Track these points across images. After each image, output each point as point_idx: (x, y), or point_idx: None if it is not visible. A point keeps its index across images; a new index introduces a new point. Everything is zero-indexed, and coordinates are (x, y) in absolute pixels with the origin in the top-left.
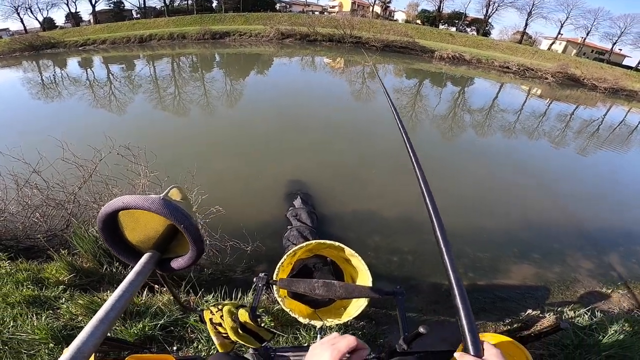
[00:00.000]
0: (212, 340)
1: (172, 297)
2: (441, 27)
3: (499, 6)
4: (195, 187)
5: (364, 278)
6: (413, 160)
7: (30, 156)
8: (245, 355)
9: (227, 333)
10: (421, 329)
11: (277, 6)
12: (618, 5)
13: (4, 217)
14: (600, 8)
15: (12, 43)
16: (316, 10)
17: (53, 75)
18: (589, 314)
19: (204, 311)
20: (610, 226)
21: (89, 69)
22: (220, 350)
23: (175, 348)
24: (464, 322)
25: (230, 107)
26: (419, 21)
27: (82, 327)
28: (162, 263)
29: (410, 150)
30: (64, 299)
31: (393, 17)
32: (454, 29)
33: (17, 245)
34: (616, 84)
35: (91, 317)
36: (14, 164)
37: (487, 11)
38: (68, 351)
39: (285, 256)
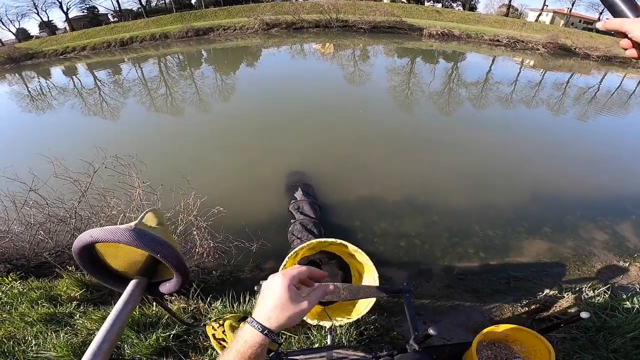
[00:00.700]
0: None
1: (182, 306)
2: (427, 4)
3: None
4: (192, 192)
5: (370, 272)
6: None
7: (25, 174)
8: None
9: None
10: (431, 331)
11: None
12: None
13: (9, 238)
14: None
15: None
16: None
17: (39, 86)
18: (609, 292)
19: (207, 327)
20: (619, 193)
21: (74, 77)
22: None
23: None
24: None
25: (223, 102)
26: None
27: None
28: (151, 287)
29: None
30: (78, 314)
31: None
32: (439, 5)
33: (27, 264)
34: (608, 52)
35: None
36: (8, 185)
37: None
38: None
39: (287, 258)
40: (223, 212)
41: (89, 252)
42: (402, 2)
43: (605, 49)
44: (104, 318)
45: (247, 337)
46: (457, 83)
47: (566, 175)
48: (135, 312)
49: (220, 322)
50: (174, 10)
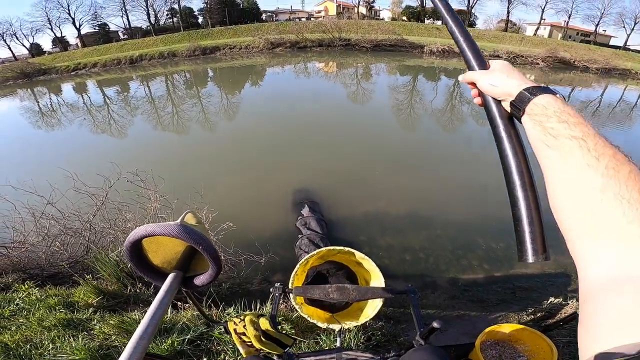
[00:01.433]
0: (238, 351)
1: (196, 313)
2: (427, 21)
3: None
4: (205, 206)
5: (377, 279)
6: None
7: (42, 187)
8: None
9: (251, 341)
10: (435, 324)
11: (263, 16)
12: None
13: (25, 248)
14: None
15: (3, 71)
16: (302, 17)
17: (50, 102)
18: None
19: (228, 322)
20: None
21: (84, 94)
22: (245, 357)
23: None
24: (465, 46)
25: (229, 121)
26: (404, 17)
27: (116, 346)
28: (186, 281)
29: None
30: (95, 320)
31: (379, 16)
32: (439, 22)
33: (42, 274)
34: (607, 64)
35: (124, 336)
36: (28, 197)
37: (469, 2)
38: None
39: (298, 265)
40: (233, 227)
41: (138, 247)
42: (403, 20)
43: (604, 61)
44: (121, 323)
45: None
46: (459, 100)
47: None
48: None
49: (241, 317)
50: (182, 29)
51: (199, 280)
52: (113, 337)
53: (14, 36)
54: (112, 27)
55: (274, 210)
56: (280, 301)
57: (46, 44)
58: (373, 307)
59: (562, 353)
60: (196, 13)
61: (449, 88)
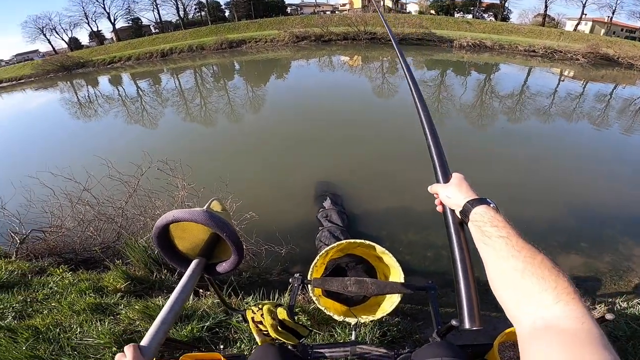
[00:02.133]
0: (254, 339)
1: (216, 301)
2: (456, 15)
3: None
4: (230, 195)
5: (396, 274)
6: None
7: (79, 174)
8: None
9: (267, 330)
10: (453, 322)
11: (288, 10)
12: None
13: (62, 233)
14: None
15: (44, 64)
16: (327, 10)
17: (87, 94)
18: None
19: (246, 311)
20: None
21: (119, 86)
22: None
23: (222, 347)
24: (435, 159)
25: (254, 113)
26: (432, 11)
27: (139, 331)
28: (208, 268)
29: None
30: (122, 305)
31: (405, 9)
32: (470, 16)
33: (76, 258)
34: None
35: (147, 321)
36: (66, 184)
37: None
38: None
39: (318, 257)
40: (255, 217)
41: (166, 232)
42: (431, 14)
43: None
44: (146, 308)
45: None
46: (490, 95)
47: (608, 189)
48: None
49: (260, 306)
50: (209, 23)
51: (222, 268)
52: (137, 322)
53: (53, 31)
54: (144, 22)
55: (296, 201)
56: (299, 292)
57: (84, 38)
58: (391, 302)
59: None
60: (223, 7)
61: (479, 83)
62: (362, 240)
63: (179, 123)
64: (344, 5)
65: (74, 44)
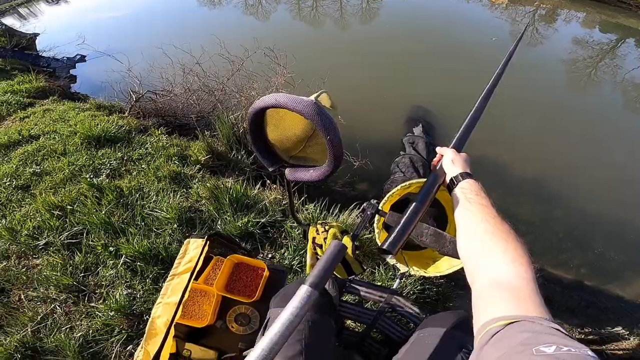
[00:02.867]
0: (299, 251)
1: (279, 197)
2: None
3: None
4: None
5: None
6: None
7: (195, 51)
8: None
9: None
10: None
11: None
12: None
13: (170, 97)
14: None
15: None
16: None
17: None
18: None
19: (310, 228)
20: None
21: None
22: (307, 271)
23: (269, 256)
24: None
25: (363, 24)
26: None
27: (202, 211)
28: (291, 168)
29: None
30: (196, 179)
31: None
32: None
33: (175, 122)
34: None
35: (211, 202)
36: (183, 56)
37: None
38: None
39: (399, 187)
40: (342, 121)
41: (261, 115)
42: None
43: None
44: (215, 188)
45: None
46: None
47: None
48: (240, 190)
49: (326, 227)
50: None
51: (307, 174)
52: (203, 201)
53: None
54: None
55: (386, 118)
56: (367, 222)
57: None
58: (450, 264)
59: None
60: None
61: None
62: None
63: (288, 20)
64: None
65: None
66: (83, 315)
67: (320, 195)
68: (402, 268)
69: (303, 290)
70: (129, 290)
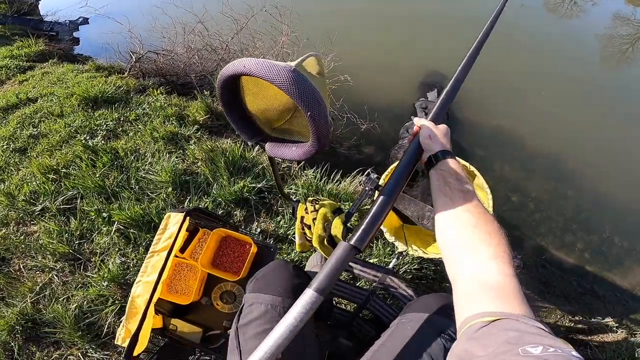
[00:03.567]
0: (293, 220)
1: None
2: None
3: None
4: (331, 54)
5: (483, 200)
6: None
7: (198, 9)
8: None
9: (312, 237)
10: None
11: None
12: None
13: (171, 56)
14: None
15: None
16: None
17: None
18: None
19: (300, 205)
20: None
21: None
22: (297, 249)
23: (258, 230)
24: (444, 98)
25: None
26: None
27: (197, 173)
28: (273, 142)
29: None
30: (193, 140)
31: None
32: None
33: (176, 81)
34: None
35: (207, 164)
36: (184, 15)
37: None
38: None
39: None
40: (350, 82)
41: (233, 82)
42: None
43: None
44: (211, 151)
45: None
46: None
47: None
48: (237, 152)
49: (317, 206)
50: None
51: (290, 151)
52: (199, 164)
53: None
54: None
55: (398, 80)
56: (366, 198)
57: None
58: None
59: None
60: None
61: None
62: (465, 163)
63: None
64: None
65: None
66: (79, 285)
67: (323, 158)
68: (401, 247)
69: (308, 295)
70: (123, 259)
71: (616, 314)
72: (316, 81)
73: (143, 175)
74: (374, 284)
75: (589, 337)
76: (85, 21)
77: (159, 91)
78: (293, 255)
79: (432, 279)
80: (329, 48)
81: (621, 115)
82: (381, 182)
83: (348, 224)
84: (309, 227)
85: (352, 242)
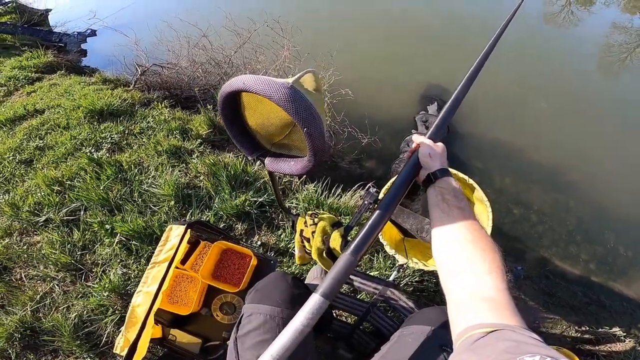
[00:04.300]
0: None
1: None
2: None
3: None
4: (332, 68)
5: (483, 216)
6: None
7: (202, 23)
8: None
9: (311, 250)
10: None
11: None
12: None
13: (176, 70)
14: None
15: None
16: None
17: None
18: None
19: (299, 219)
20: None
21: None
22: (297, 262)
23: (259, 243)
24: (444, 115)
25: None
26: None
27: (200, 187)
28: (273, 156)
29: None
30: (196, 154)
31: None
32: None
33: (180, 95)
34: None
35: (209, 179)
36: (188, 29)
37: None
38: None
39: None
40: (351, 95)
41: (234, 98)
42: None
43: None
44: (213, 165)
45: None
46: None
47: None
48: (239, 166)
49: (316, 220)
50: None
51: (287, 166)
52: (201, 177)
53: None
54: None
55: (399, 94)
56: (365, 211)
57: None
58: None
59: None
60: None
61: None
62: (464, 176)
63: None
64: None
65: None
66: (80, 295)
67: (324, 172)
68: (401, 259)
69: (314, 300)
70: (124, 270)
71: (624, 323)
72: (313, 97)
73: (146, 188)
74: (375, 296)
75: (597, 347)
76: (93, 33)
77: (163, 104)
78: (294, 268)
79: (434, 291)
80: (330, 62)
81: (621, 124)
82: (380, 196)
83: (348, 237)
84: (308, 240)
85: (348, 252)
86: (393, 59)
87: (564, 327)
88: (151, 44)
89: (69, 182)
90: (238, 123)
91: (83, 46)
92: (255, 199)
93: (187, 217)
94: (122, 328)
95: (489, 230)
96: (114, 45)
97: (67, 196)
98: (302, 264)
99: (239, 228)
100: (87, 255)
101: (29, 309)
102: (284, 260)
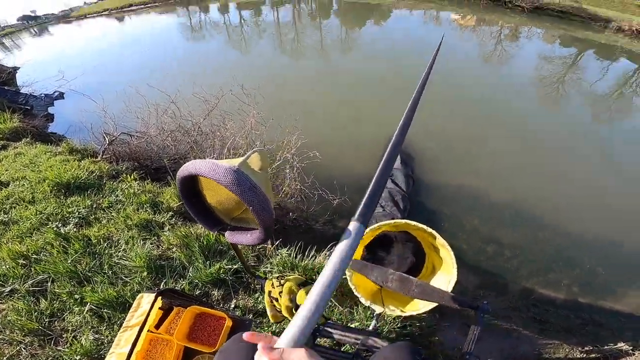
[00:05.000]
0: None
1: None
2: None
3: None
4: (297, 132)
5: (448, 273)
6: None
7: (170, 89)
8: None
9: (281, 308)
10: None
11: None
12: None
13: (145, 139)
14: None
15: None
16: None
17: (199, 20)
18: None
19: (267, 282)
20: None
21: (225, 14)
22: (271, 320)
23: (232, 306)
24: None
25: (343, 55)
26: None
27: (173, 258)
28: (232, 230)
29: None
30: (167, 227)
31: None
32: None
33: (150, 165)
34: None
35: (182, 250)
36: (157, 96)
37: None
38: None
39: (368, 230)
40: (318, 157)
41: (192, 180)
42: None
43: None
44: (185, 237)
45: None
46: (635, 90)
47: None
48: (212, 237)
49: (282, 281)
50: None
51: (246, 238)
52: (174, 249)
53: None
54: None
55: (363, 152)
56: None
57: None
58: (427, 303)
59: None
60: None
61: (625, 73)
62: (423, 226)
63: (269, 53)
64: None
65: None
66: (50, 358)
67: (298, 236)
68: (378, 309)
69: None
70: (96, 336)
71: (627, 337)
72: (258, 177)
73: (117, 261)
74: (357, 346)
75: None
76: (61, 96)
77: (132, 177)
78: (274, 327)
79: (419, 334)
80: (295, 126)
81: (570, 154)
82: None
83: None
84: (277, 300)
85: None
86: (355, 118)
87: (567, 350)
88: (119, 111)
89: (35, 256)
90: (198, 202)
91: (50, 109)
92: (229, 267)
93: (161, 286)
94: None
95: (454, 271)
96: (81, 111)
97: (33, 269)
98: (276, 322)
99: (216, 294)
100: (56, 322)
101: None
102: (264, 320)
